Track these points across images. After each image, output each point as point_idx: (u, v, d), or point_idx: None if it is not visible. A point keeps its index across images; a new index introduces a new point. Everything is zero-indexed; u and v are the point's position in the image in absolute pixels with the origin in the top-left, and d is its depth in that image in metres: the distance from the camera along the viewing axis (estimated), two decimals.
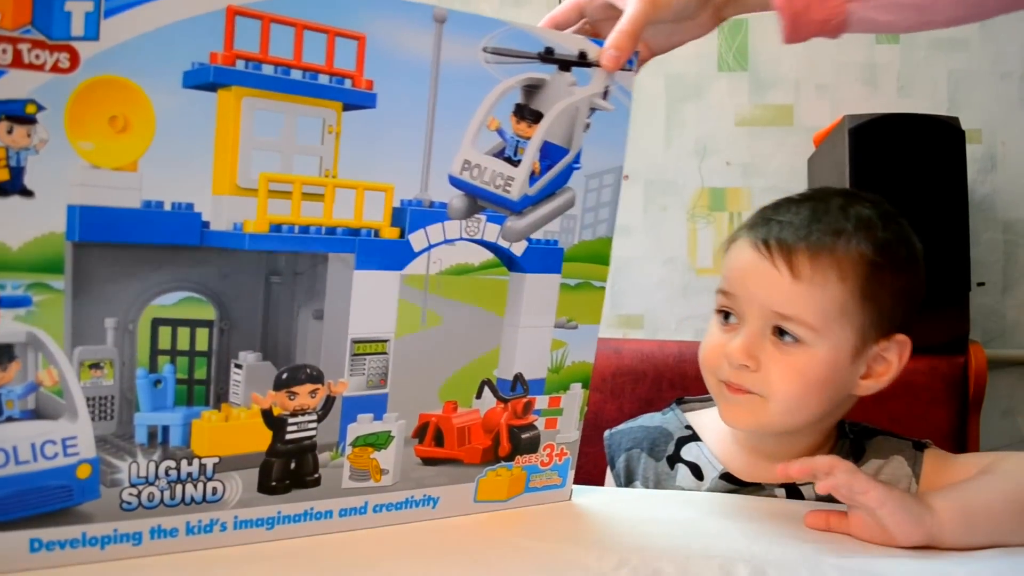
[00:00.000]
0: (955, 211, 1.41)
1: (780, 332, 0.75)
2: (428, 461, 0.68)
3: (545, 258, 0.69)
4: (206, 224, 0.56)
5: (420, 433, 0.67)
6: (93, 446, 0.55)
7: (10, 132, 0.49)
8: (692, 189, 1.84)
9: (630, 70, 0.68)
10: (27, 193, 0.50)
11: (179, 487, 0.58)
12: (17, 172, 0.50)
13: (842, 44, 1.26)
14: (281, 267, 0.59)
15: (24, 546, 0.55)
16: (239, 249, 0.57)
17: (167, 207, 0.54)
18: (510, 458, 0.72)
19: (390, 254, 0.63)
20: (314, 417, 0.62)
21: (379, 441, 0.66)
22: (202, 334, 0.58)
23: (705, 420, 0.88)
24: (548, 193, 0.68)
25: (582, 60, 0.66)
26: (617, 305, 1.84)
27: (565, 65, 0.66)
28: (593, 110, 0.67)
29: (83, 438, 0.55)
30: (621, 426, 0.94)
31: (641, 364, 1.47)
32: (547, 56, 0.65)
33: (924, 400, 1.37)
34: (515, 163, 0.65)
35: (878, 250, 0.76)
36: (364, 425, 0.65)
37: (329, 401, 0.63)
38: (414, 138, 0.61)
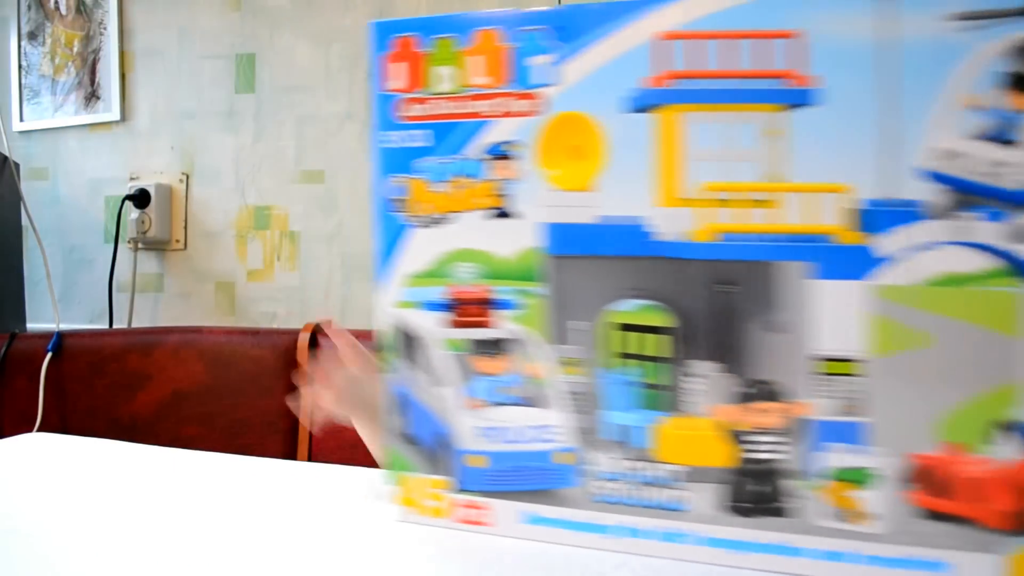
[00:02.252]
0: None
1: None
2: (930, 514, 0.56)
3: None
4: (653, 235, 0.60)
5: (918, 478, 0.56)
6: (571, 437, 0.63)
7: (501, 168, 0.63)
8: None
9: None
10: (515, 215, 0.63)
11: (645, 489, 0.62)
12: (508, 199, 0.63)
13: None
14: (727, 276, 0.59)
15: (518, 516, 0.65)
16: (686, 258, 0.59)
17: (618, 221, 0.60)
18: None
19: (852, 261, 0.56)
20: (781, 438, 0.59)
21: (859, 478, 0.57)
22: (660, 340, 0.61)
23: None
24: None
25: None
26: None
27: None
28: None
29: (563, 428, 0.64)
30: None
31: None
32: None
33: None
34: (1009, 144, 0.51)
35: None
36: (839, 456, 0.57)
37: (796, 423, 0.58)
38: (868, 131, 0.54)
